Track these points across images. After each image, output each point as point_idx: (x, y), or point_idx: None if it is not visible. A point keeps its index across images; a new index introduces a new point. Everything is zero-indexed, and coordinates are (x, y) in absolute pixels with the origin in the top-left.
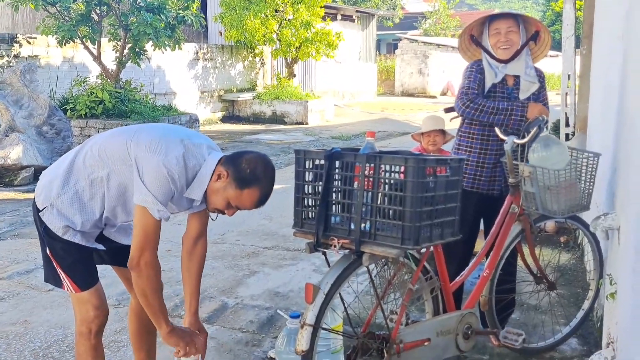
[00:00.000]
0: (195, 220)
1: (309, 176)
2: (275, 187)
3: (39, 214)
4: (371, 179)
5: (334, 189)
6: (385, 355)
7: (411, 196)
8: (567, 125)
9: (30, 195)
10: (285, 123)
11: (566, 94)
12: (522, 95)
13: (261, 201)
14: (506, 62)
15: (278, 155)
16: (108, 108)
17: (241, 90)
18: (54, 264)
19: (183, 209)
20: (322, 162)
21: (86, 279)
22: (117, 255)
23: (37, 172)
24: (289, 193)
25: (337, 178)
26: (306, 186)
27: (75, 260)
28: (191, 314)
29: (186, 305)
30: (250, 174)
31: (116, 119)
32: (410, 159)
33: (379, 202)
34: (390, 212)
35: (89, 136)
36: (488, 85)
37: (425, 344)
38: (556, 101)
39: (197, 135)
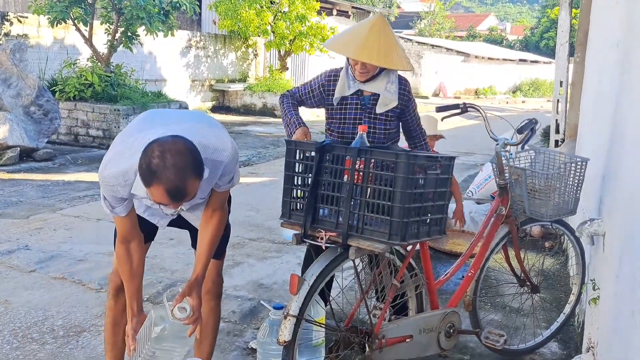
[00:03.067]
0: (214, 195)
1: (299, 167)
2: (263, 179)
3: None
4: (361, 173)
5: (323, 182)
6: (367, 350)
7: (401, 192)
8: (557, 132)
9: (16, 176)
10: (275, 116)
11: (557, 100)
12: (380, 109)
13: (172, 196)
14: (363, 81)
15: (267, 148)
16: (97, 91)
17: (232, 81)
18: None
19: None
20: (313, 154)
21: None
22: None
23: (23, 152)
24: (276, 185)
25: (327, 171)
26: (296, 177)
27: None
28: (193, 276)
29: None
30: (146, 169)
31: (105, 102)
32: (401, 154)
33: (368, 197)
34: (379, 207)
35: (77, 119)
36: (337, 95)
37: (408, 340)
38: (547, 108)
39: (171, 119)
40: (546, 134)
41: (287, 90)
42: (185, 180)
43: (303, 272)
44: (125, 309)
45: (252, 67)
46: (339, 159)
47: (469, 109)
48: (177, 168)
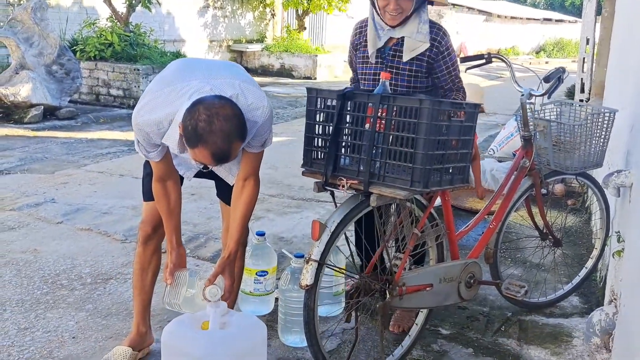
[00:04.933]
0: (244, 162)
1: (320, 116)
2: (281, 139)
3: None
4: (383, 121)
5: (344, 130)
6: (388, 296)
7: (424, 139)
8: (582, 91)
9: (40, 133)
10: (293, 77)
11: (583, 59)
12: (407, 56)
13: (217, 159)
14: (394, 27)
15: (285, 108)
16: (117, 51)
17: (250, 41)
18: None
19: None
20: (335, 102)
21: (146, 194)
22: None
23: (46, 110)
24: (294, 145)
25: (348, 119)
26: (317, 126)
27: (147, 174)
28: (226, 253)
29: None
30: (192, 132)
31: (125, 62)
32: (425, 100)
33: (390, 144)
34: (402, 154)
35: (98, 78)
36: (371, 51)
37: (428, 289)
38: (572, 68)
39: (209, 71)
40: (570, 94)
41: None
42: (231, 145)
43: (358, 246)
44: (153, 255)
45: (270, 27)
46: (361, 106)
47: (493, 59)
48: (224, 133)
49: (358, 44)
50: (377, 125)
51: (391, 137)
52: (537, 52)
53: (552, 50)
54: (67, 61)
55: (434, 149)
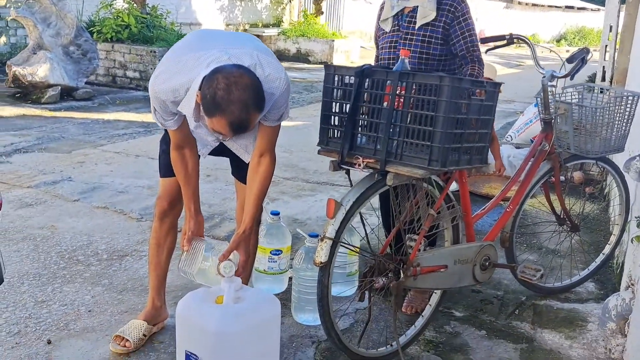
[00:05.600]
0: (261, 136)
1: (337, 93)
2: (296, 123)
3: None
4: (402, 99)
5: (362, 108)
6: (402, 276)
7: (443, 117)
8: (604, 79)
9: (57, 114)
10: (309, 62)
11: (605, 46)
12: (419, 23)
13: (234, 129)
14: None
15: (301, 93)
16: (134, 33)
17: (266, 26)
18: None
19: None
20: (352, 79)
21: (163, 169)
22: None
23: (63, 91)
24: (310, 129)
25: (366, 97)
26: (334, 104)
27: (164, 150)
28: (241, 229)
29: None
30: (210, 100)
31: (141, 44)
32: (445, 77)
33: (408, 122)
34: (420, 132)
35: (114, 60)
36: (384, 18)
37: (442, 270)
38: (593, 57)
39: (227, 41)
40: (591, 82)
41: None
42: (249, 115)
43: (385, 223)
44: (169, 231)
45: (287, 12)
46: (379, 84)
47: (515, 39)
48: (242, 102)
49: (379, 17)
50: (396, 103)
51: (409, 115)
52: (558, 41)
53: (574, 38)
54: (84, 42)
55: (453, 127)
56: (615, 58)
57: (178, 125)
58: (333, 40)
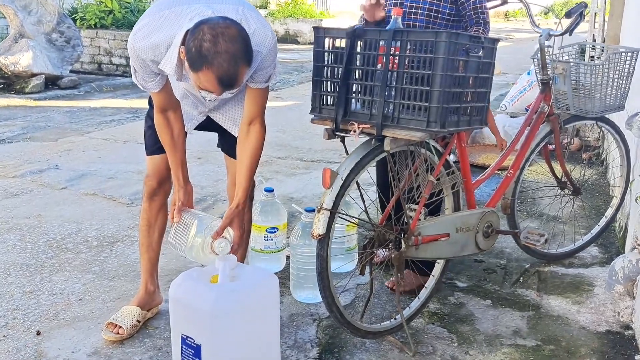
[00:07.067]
0: (248, 101)
1: (329, 57)
2: (288, 103)
3: None
4: (396, 59)
5: (355, 71)
6: (403, 246)
7: (440, 74)
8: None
9: (42, 103)
10: (298, 43)
11: (595, 14)
12: None
13: (223, 84)
14: None
15: (291, 74)
16: (118, 18)
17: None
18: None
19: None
20: (344, 42)
21: (149, 147)
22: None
23: (48, 80)
24: (301, 109)
25: (359, 59)
26: (326, 69)
27: (149, 126)
28: (234, 204)
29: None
30: (196, 53)
31: (126, 29)
32: (441, 32)
33: (404, 83)
34: (416, 93)
35: (99, 47)
36: None
37: (444, 239)
38: (582, 28)
39: None
40: (582, 51)
41: None
42: (238, 67)
43: (383, 193)
44: (159, 211)
45: None
46: (372, 44)
47: (509, 0)
48: (230, 54)
49: None
50: (390, 63)
51: (405, 75)
52: (546, 14)
53: (561, 10)
54: (67, 29)
55: (451, 86)
56: (606, 22)
57: (160, 87)
58: (321, 20)
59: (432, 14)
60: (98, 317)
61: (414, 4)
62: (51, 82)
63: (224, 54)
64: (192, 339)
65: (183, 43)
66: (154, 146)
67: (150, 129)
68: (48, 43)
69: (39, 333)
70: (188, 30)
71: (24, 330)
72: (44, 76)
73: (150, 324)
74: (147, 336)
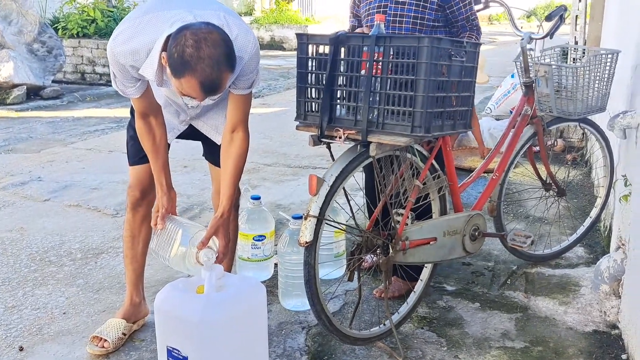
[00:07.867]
0: (231, 108)
1: (312, 64)
2: (274, 109)
3: None
4: (380, 65)
5: (339, 77)
6: (391, 251)
7: (424, 79)
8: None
9: (24, 114)
10: (284, 49)
11: (576, 17)
12: None
13: (206, 89)
14: None
15: (277, 80)
16: (100, 27)
17: (238, 14)
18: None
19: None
20: (327, 48)
21: (132, 157)
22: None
23: (30, 91)
24: (288, 115)
25: (343, 65)
26: (309, 75)
27: (131, 136)
28: (219, 212)
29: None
30: (178, 59)
31: (109, 38)
32: (424, 37)
33: (388, 89)
34: (401, 98)
35: (82, 56)
36: None
37: (432, 242)
38: (563, 31)
39: (192, 1)
40: (564, 52)
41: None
42: (221, 73)
43: (370, 199)
44: (143, 222)
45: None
46: (356, 50)
47: (491, 4)
48: (213, 59)
49: None
50: (374, 69)
51: (389, 81)
52: (528, 17)
53: (544, 13)
54: (48, 39)
55: (434, 90)
56: (587, 25)
57: (141, 93)
58: (307, 26)
59: (418, 21)
60: (83, 330)
61: (398, 12)
62: (33, 93)
63: (207, 59)
64: (178, 350)
65: (164, 49)
66: (136, 156)
67: (132, 139)
68: (29, 53)
69: (21, 349)
70: (169, 36)
71: (6, 346)
72: (25, 87)
73: (137, 337)
74: (133, 349)
